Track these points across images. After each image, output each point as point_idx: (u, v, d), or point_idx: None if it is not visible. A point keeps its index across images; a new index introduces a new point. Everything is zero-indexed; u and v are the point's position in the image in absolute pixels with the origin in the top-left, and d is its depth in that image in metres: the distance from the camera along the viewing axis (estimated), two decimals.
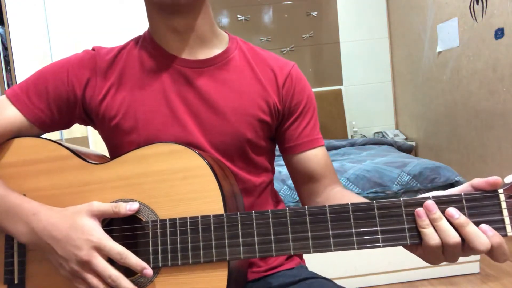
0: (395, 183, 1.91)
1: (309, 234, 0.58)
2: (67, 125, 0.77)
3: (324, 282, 0.75)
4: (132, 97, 0.72)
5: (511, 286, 1.76)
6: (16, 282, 0.65)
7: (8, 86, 2.38)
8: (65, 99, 0.72)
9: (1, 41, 2.38)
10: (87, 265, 0.58)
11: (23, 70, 2.27)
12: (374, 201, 0.57)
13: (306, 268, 0.83)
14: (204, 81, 0.73)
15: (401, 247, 0.58)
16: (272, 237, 0.59)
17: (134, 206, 0.62)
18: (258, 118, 0.75)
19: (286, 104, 0.78)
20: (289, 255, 0.82)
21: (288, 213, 0.59)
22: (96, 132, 0.78)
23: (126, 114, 0.72)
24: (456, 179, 1.91)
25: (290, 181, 1.94)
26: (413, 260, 1.98)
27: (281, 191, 1.90)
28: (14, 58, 2.26)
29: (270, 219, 0.59)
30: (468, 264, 1.89)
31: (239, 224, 0.60)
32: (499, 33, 2.17)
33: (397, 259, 1.86)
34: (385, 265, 1.88)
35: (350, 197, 0.74)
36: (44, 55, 2.31)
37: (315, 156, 0.79)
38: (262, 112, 0.75)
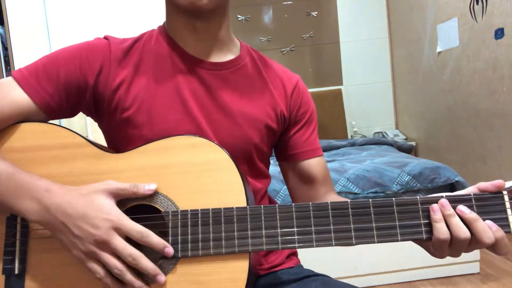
0: (395, 183, 1.91)
1: (331, 227, 0.60)
2: (71, 114, 0.74)
3: (328, 279, 0.76)
4: (147, 91, 0.71)
5: (511, 286, 1.76)
6: (16, 272, 0.62)
7: None
8: (75, 86, 0.69)
9: (1, 41, 2.38)
10: (104, 245, 0.56)
11: None
12: (393, 198, 0.61)
13: (303, 267, 0.84)
14: (217, 83, 0.74)
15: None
16: (295, 229, 0.60)
17: (152, 186, 0.62)
18: (266, 124, 0.76)
19: (293, 112, 0.80)
20: (288, 255, 0.84)
21: (311, 207, 0.61)
22: (96, 130, 0.77)
23: (140, 108, 0.70)
24: (456, 179, 1.91)
25: None
26: (413, 260, 1.97)
27: (281, 191, 1.90)
28: (14, 58, 2.26)
29: (294, 212, 0.61)
30: (468, 264, 1.89)
31: (263, 216, 0.61)
32: (499, 33, 2.17)
33: (397, 259, 1.86)
34: (385, 265, 1.88)
35: None
36: (44, 55, 2.31)
37: (318, 164, 0.82)
38: (270, 119, 0.77)
